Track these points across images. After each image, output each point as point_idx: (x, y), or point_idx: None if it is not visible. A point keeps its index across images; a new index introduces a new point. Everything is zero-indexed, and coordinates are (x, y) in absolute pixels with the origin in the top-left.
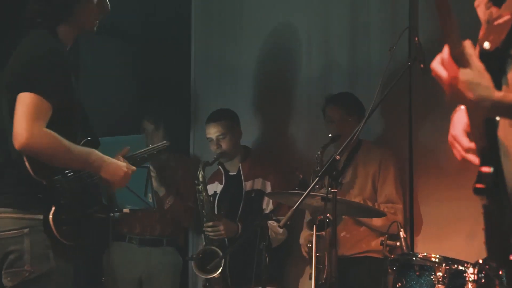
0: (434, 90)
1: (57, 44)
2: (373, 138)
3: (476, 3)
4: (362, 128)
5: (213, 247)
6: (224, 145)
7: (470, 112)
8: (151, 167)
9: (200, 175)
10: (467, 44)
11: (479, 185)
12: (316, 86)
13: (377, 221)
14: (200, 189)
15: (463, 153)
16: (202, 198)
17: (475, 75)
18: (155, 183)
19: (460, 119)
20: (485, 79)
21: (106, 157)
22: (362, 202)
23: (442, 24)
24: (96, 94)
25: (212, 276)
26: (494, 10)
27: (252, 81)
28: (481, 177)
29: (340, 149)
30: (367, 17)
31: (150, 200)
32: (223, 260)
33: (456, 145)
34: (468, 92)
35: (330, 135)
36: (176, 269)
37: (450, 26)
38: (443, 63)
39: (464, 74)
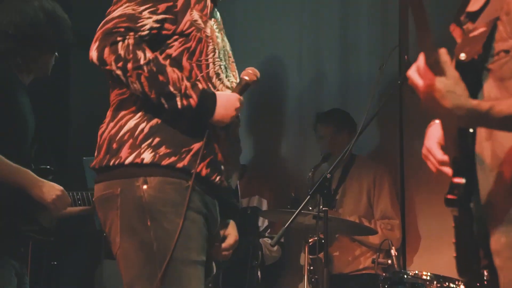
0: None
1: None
2: (365, 154)
3: (451, 28)
4: (353, 144)
5: None
6: None
7: (444, 122)
8: None
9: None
10: (442, 52)
11: (450, 196)
12: (307, 103)
13: (374, 239)
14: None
15: (437, 165)
16: None
17: (450, 83)
18: None
19: (434, 132)
20: (460, 88)
21: (41, 179)
22: (357, 219)
23: (417, 32)
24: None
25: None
26: (469, 24)
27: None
28: (453, 188)
29: (331, 167)
30: (357, 34)
31: None
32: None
33: (430, 157)
34: (443, 100)
35: (321, 154)
36: None
37: (425, 33)
38: (419, 72)
39: (439, 82)
